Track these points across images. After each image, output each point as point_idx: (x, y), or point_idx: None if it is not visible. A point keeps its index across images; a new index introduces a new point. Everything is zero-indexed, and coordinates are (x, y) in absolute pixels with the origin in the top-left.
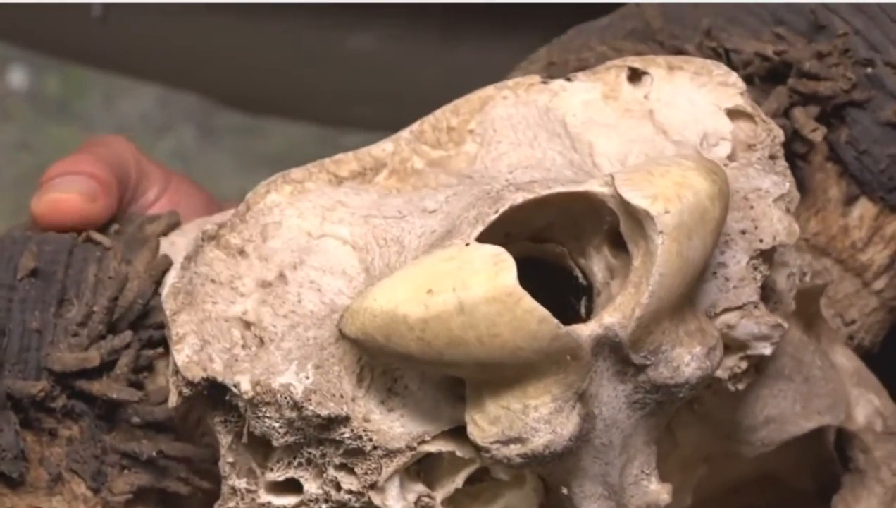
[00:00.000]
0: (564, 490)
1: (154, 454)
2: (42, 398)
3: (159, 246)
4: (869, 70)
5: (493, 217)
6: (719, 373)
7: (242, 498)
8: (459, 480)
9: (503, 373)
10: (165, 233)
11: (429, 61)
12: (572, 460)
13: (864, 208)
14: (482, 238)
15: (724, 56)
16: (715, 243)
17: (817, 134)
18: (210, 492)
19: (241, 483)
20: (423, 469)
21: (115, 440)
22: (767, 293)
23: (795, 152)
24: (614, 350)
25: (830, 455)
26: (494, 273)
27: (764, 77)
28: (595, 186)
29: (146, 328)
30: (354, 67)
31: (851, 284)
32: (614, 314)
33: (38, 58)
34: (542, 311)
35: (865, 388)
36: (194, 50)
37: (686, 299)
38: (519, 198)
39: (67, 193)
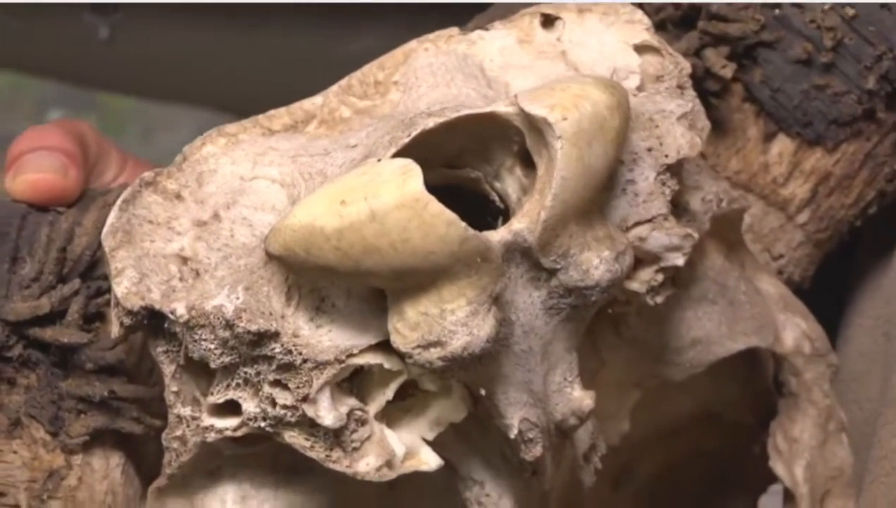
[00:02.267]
0: (490, 398)
1: (105, 394)
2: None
3: (108, 206)
4: (777, 11)
5: (406, 140)
6: (636, 286)
7: (188, 425)
8: (390, 392)
9: (419, 279)
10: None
11: None
12: (494, 366)
13: (782, 145)
14: None
15: (639, 6)
16: (617, 153)
17: (727, 70)
18: (163, 431)
19: (186, 411)
20: (355, 384)
21: (71, 385)
22: (680, 212)
23: (710, 91)
24: (525, 256)
25: (768, 385)
26: (402, 181)
27: (677, 23)
28: (500, 107)
29: (95, 279)
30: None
31: (776, 218)
32: (522, 220)
33: (75, 96)
34: (450, 214)
35: (792, 312)
36: (203, 64)
37: (593, 206)
38: (430, 122)
39: (41, 172)
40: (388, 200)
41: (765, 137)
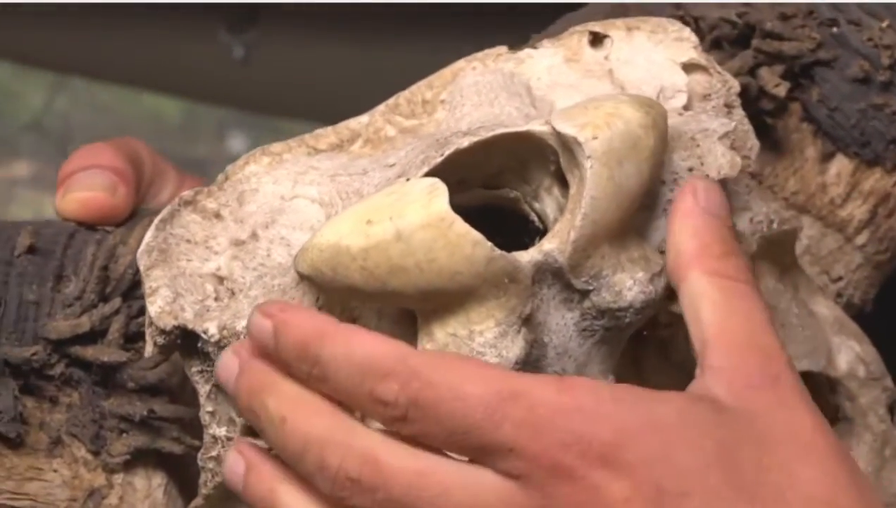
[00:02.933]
0: None
1: (145, 413)
2: (41, 365)
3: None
4: (834, 29)
5: (439, 159)
6: (678, 309)
7: (223, 445)
8: None
9: (447, 300)
10: None
11: None
12: None
13: (840, 165)
14: None
15: (693, 24)
16: (652, 172)
17: (780, 89)
18: None
19: (222, 431)
20: None
21: (113, 405)
22: None
23: (765, 110)
24: (557, 277)
25: (829, 411)
26: (428, 201)
27: (733, 42)
28: (536, 126)
29: (137, 299)
30: None
31: (834, 240)
32: (553, 241)
33: (254, 121)
34: (476, 234)
35: (846, 335)
36: (336, 82)
37: (627, 226)
38: (465, 142)
39: (91, 190)
40: (413, 219)
41: (822, 157)
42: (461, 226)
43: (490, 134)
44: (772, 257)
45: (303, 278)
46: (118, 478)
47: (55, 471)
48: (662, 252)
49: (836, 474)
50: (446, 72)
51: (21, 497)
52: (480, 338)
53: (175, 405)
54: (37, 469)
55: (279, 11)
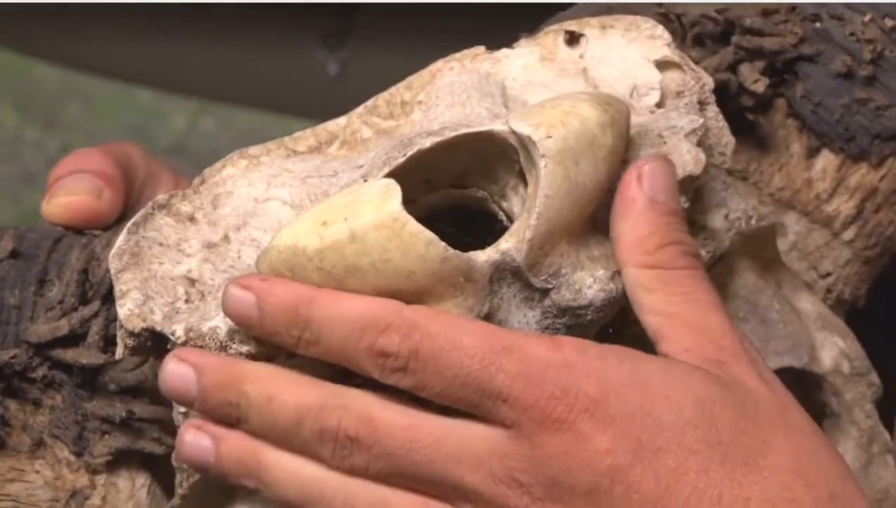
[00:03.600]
0: None
1: (124, 414)
2: (22, 368)
3: None
4: (817, 24)
5: (401, 160)
6: None
7: None
8: None
9: (404, 300)
10: None
11: None
12: None
13: (826, 160)
14: (403, 187)
15: (676, 21)
16: (610, 171)
17: (759, 85)
18: None
19: None
20: None
21: (95, 406)
22: (696, 230)
23: (747, 107)
24: (517, 276)
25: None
26: (381, 201)
27: (715, 38)
28: (497, 126)
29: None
30: None
31: (821, 236)
32: (510, 239)
33: None
34: (429, 234)
35: (830, 331)
36: None
37: (586, 224)
38: (427, 142)
39: (75, 194)
40: (366, 220)
41: (808, 152)
42: (414, 226)
43: (452, 134)
44: (751, 252)
45: None
46: (101, 479)
47: (37, 472)
48: None
49: (806, 446)
50: (425, 73)
51: (3, 498)
52: None
53: (154, 406)
54: (19, 470)
55: (372, 28)
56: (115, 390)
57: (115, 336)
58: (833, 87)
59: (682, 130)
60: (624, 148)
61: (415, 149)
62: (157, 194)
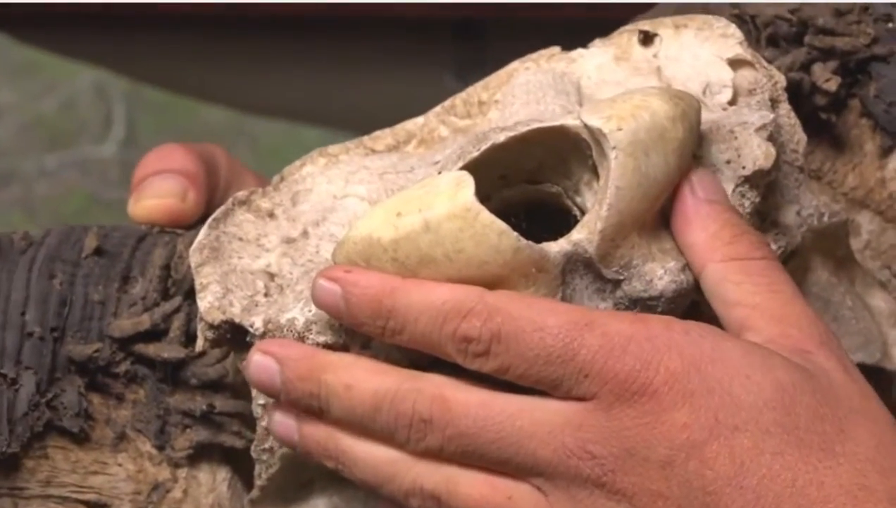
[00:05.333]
0: None
1: (205, 408)
2: (106, 363)
3: None
4: (890, 25)
5: (475, 154)
6: None
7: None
8: None
9: None
10: None
11: None
12: None
13: None
14: (479, 183)
15: (750, 22)
16: (681, 163)
17: (831, 84)
18: None
19: None
20: None
21: (177, 401)
22: (768, 226)
23: (820, 106)
24: (589, 267)
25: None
26: (455, 192)
27: (790, 39)
28: (570, 120)
29: None
30: None
31: (895, 234)
32: (582, 231)
33: None
34: (502, 224)
35: None
36: None
37: (657, 216)
38: (501, 137)
39: (161, 197)
40: (440, 210)
41: (881, 152)
42: (487, 216)
43: (525, 129)
44: (824, 249)
45: None
46: (182, 472)
47: (120, 465)
48: None
49: (883, 437)
50: (502, 73)
51: (86, 490)
52: None
53: (235, 401)
54: (102, 462)
55: (504, 58)
56: (196, 384)
57: (196, 331)
58: None
59: (753, 125)
60: (695, 142)
61: (489, 143)
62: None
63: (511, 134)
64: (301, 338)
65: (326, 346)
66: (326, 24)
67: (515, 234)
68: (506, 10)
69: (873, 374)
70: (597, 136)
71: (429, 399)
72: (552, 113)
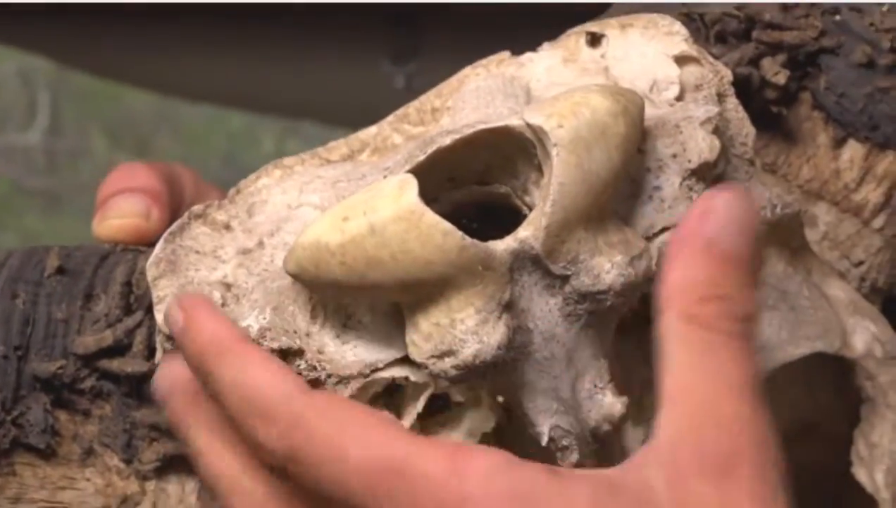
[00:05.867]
0: (519, 407)
1: None
2: (71, 379)
3: None
4: (836, 17)
5: (422, 157)
6: None
7: None
8: (419, 405)
9: (426, 290)
10: None
11: None
12: (516, 374)
13: (853, 150)
14: (426, 186)
15: (699, 20)
16: (625, 158)
17: (780, 77)
18: None
19: None
20: (392, 401)
21: (142, 415)
22: None
23: (771, 100)
24: (537, 264)
25: (860, 396)
26: (399, 194)
27: (738, 35)
28: (514, 121)
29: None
30: None
31: (851, 224)
32: (527, 228)
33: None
34: (446, 224)
35: (861, 316)
36: None
37: (603, 212)
38: (448, 139)
39: (125, 217)
40: (385, 213)
41: (834, 143)
42: (431, 217)
43: (471, 131)
44: (779, 241)
45: (292, 277)
46: (151, 485)
47: (88, 480)
48: (648, 238)
49: None
50: (453, 80)
51: (55, 505)
52: (462, 326)
53: None
54: (70, 478)
55: (439, 44)
56: None
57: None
58: (855, 77)
59: (698, 119)
60: (638, 137)
61: (435, 147)
62: None
63: (456, 137)
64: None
65: (282, 351)
66: (261, 8)
67: (461, 233)
68: None
69: (833, 363)
70: (539, 134)
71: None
72: (499, 115)
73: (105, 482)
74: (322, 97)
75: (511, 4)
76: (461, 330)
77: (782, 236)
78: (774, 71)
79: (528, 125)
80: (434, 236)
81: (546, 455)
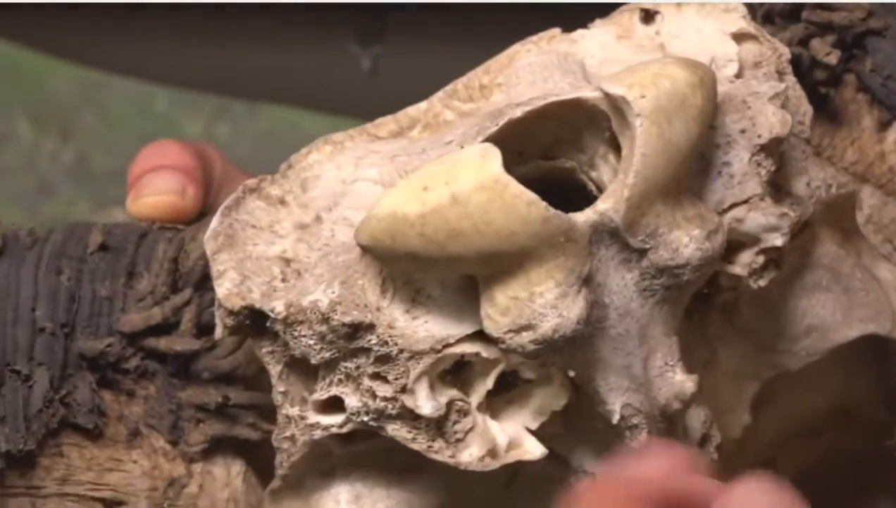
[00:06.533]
0: (590, 384)
1: (220, 400)
2: (116, 358)
3: None
4: None
5: (494, 129)
6: (738, 270)
7: (296, 425)
8: (490, 381)
9: (506, 263)
10: None
11: None
12: (591, 351)
13: None
14: None
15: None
16: (701, 131)
17: (832, 57)
18: None
19: (294, 411)
20: (459, 377)
21: (189, 395)
22: (782, 196)
23: (819, 81)
24: (615, 237)
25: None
26: (482, 164)
27: (785, 16)
28: (586, 92)
29: (209, 290)
30: None
31: (895, 208)
32: (607, 200)
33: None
34: (530, 194)
35: None
36: None
37: (680, 185)
38: (518, 112)
39: (161, 194)
40: (468, 183)
41: (879, 126)
42: (515, 187)
43: (542, 103)
44: (832, 221)
45: (364, 250)
46: (197, 467)
47: (135, 462)
48: (719, 212)
49: None
50: (502, 57)
51: (102, 488)
52: (541, 299)
53: (250, 392)
54: (116, 459)
55: (405, 26)
56: (208, 377)
57: (207, 324)
58: None
59: (765, 95)
60: (712, 111)
61: (506, 119)
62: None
63: (527, 109)
64: (325, 320)
65: (353, 325)
66: None
67: (544, 204)
68: None
69: (883, 345)
70: (619, 104)
71: None
72: (561, 90)
73: (151, 464)
74: (288, 79)
75: None
76: (540, 304)
77: (836, 217)
78: (826, 51)
79: (608, 95)
80: (518, 206)
81: (613, 432)
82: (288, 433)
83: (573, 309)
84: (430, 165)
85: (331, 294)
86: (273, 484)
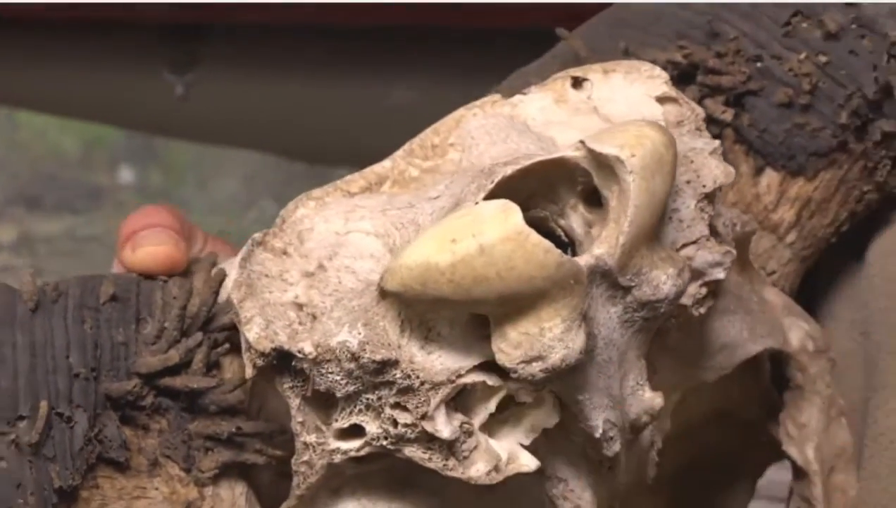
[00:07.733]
0: (577, 404)
1: (233, 430)
2: (134, 397)
3: (212, 268)
4: (759, 64)
5: (491, 186)
6: (684, 300)
7: (314, 451)
8: (492, 405)
9: (520, 303)
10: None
11: None
12: (582, 376)
13: (770, 177)
14: None
15: None
16: (671, 184)
17: (727, 114)
18: (281, 459)
19: (312, 438)
20: (459, 403)
21: (198, 427)
22: (715, 235)
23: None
24: (605, 277)
25: (768, 384)
26: (505, 218)
27: (677, 80)
28: (568, 152)
29: (212, 332)
30: (395, 121)
31: (768, 240)
32: (602, 246)
33: (142, 154)
34: (547, 243)
35: (795, 317)
36: (266, 117)
37: (656, 230)
38: (509, 169)
39: (159, 245)
40: (493, 234)
41: (755, 171)
42: (535, 237)
43: (530, 162)
44: (737, 254)
45: (389, 295)
46: (208, 491)
47: (157, 489)
48: (677, 250)
49: None
50: (449, 120)
51: None
52: (550, 334)
53: (255, 422)
54: (142, 488)
55: (217, 57)
56: (215, 410)
57: (213, 363)
58: (776, 115)
59: (704, 149)
60: (677, 165)
61: (500, 175)
62: (194, 246)
63: (517, 167)
64: (356, 358)
65: (382, 362)
66: (46, 24)
67: (559, 251)
68: (217, 14)
69: (776, 356)
70: (611, 162)
71: None
72: (527, 148)
73: (170, 490)
74: (106, 103)
75: (284, 22)
76: (549, 338)
77: (739, 250)
78: (721, 110)
79: (598, 154)
80: (537, 254)
81: (589, 444)
82: (305, 458)
83: (577, 341)
84: (451, 220)
85: (357, 335)
86: (289, 503)
